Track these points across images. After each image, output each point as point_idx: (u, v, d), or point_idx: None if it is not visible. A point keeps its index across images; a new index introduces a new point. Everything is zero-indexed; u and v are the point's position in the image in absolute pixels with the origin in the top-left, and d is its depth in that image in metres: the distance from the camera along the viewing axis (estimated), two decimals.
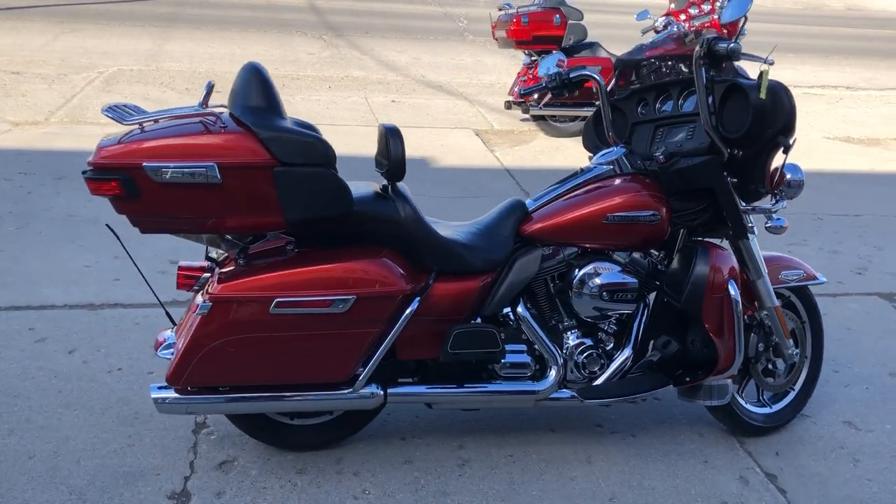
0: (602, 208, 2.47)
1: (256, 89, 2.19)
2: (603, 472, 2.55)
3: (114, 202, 2.12)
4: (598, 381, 2.53)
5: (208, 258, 2.44)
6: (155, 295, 2.55)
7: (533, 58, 6.81)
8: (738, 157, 2.45)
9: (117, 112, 2.20)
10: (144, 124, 2.14)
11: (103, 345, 3.12)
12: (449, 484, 2.45)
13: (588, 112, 6.90)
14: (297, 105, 7.26)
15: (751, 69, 2.47)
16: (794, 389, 2.87)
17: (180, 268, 2.39)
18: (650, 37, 7.39)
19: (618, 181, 2.54)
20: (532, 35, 6.47)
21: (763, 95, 2.28)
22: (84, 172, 2.11)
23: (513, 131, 7.14)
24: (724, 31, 7.27)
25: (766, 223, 2.60)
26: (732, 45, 2.27)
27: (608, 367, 2.55)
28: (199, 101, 2.23)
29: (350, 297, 2.22)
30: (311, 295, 2.21)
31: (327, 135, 2.24)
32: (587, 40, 6.74)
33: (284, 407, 2.40)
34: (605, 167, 2.59)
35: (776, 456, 2.71)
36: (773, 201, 2.58)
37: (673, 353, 2.51)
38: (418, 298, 2.33)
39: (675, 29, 7.95)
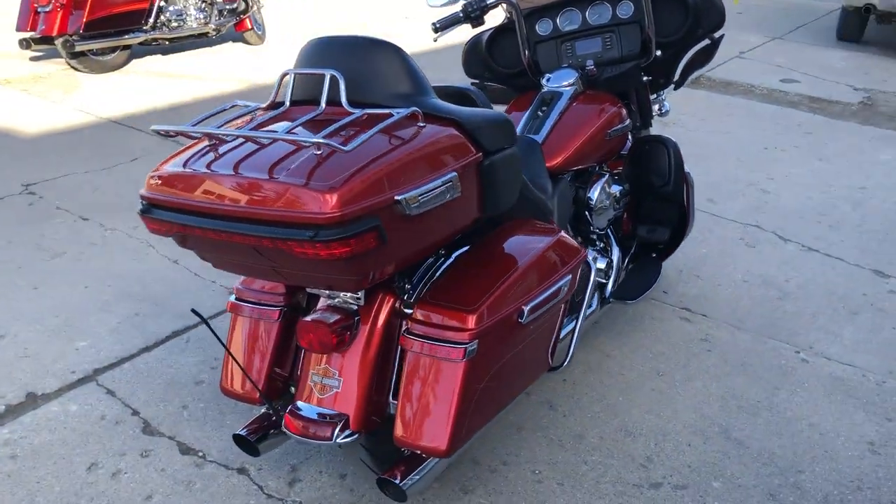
0: (602, 126, 2.63)
1: (399, 68, 1.80)
2: (627, 385, 2.91)
3: (349, 263, 1.57)
4: (609, 284, 2.81)
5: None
6: (262, 394, 1.94)
7: None
8: (658, 58, 2.86)
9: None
10: (327, 143, 1.58)
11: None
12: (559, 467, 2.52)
13: (132, 39, 6.14)
14: None
15: None
16: None
17: (330, 324, 1.83)
18: None
19: (591, 98, 2.72)
20: None
21: (736, 2, 2.71)
22: (314, 235, 1.50)
23: (43, 76, 5.92)
24: None
25: (661, 110, 3.10)
26: None
27: (612, 268, 2.84)
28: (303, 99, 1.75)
29: (567, 277, 2.06)
30: (544, 290, 1.98)
31: None
32: None
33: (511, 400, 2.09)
34: (569, 89, 2.73)
35: (666, 293, 3.40)
36: (661, 91, 3.08)
37: (663, 237, 2.90)
38: (590, 258, 2.26)
39: None
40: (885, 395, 2.76)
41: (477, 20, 2.73)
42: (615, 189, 2.74)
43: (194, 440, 2.36)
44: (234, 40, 7.40)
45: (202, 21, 6.60)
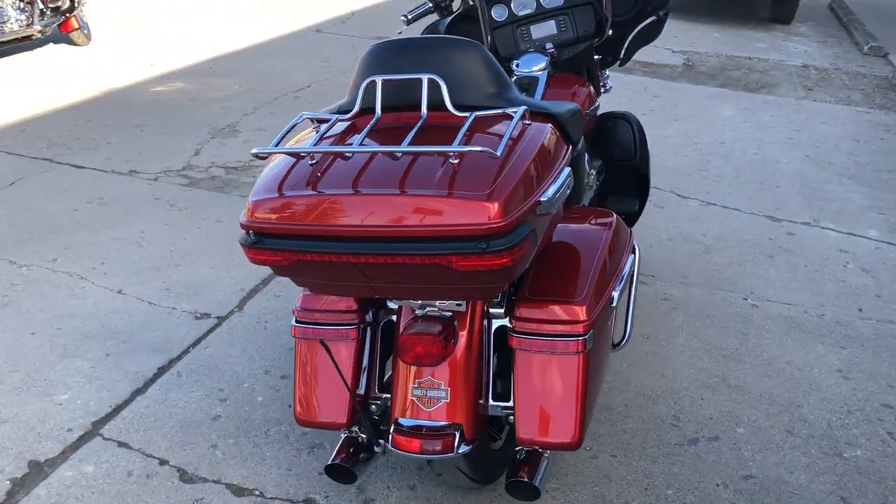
0: (582, 107, 2.70)
1: (486, 66, 1.79)
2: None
3: (505, 272, 1.54)
4: None
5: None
6: (365, 418, 1.84)
7: None
8: (609, 37, 2.96)
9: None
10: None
11: None
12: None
13: None
14: None
15: None
16: None
17: (436, 335, 1.77)
18: None
19: (563, 81, 2.77)
20: None
21: None
22: (486, 247, 1.46)
23: None
24: None
25: (605, 87, 3.21)
26: None
27: None
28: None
29: (632, 256, 2.10)
30: (622, 272, 2.01)
31: None
32: None
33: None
34: (543, 73, 2.77)
35: None
36: (606, 69, 3.20)
37: (633, 208, 3.03)
38: None
39: None
40: (829, 327, 3.09)
41: (446, 9, 2.71)
42: (597, 164, 2.84)
43: (243, 479, 2.20)
44: (57, 41, 6.69)
45: (24, 22, 5.90)
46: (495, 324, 1.92)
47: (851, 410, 2.62)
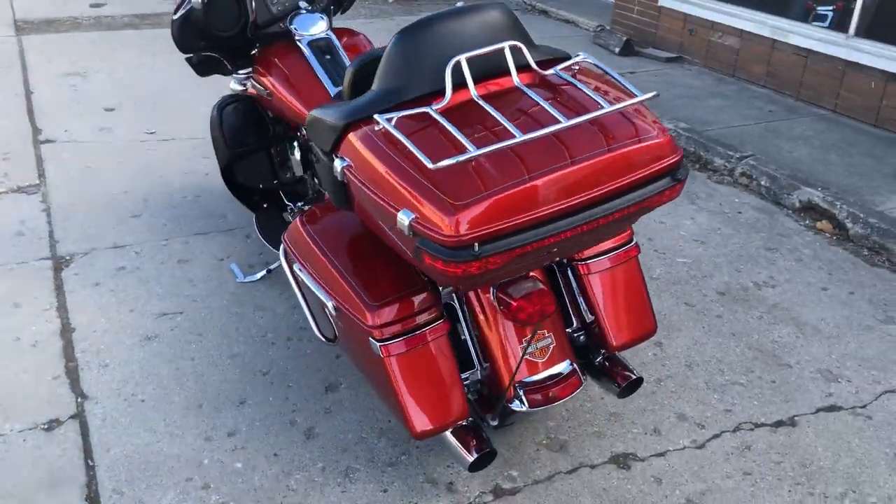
0: None
1: (519, 25, 1.91)
2: None
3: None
4: None
5: None
6: (503, 392, 1.84)
7: None
8: None
9: None
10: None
11: None
12: None
13: None
14: None
15: None
16: None
17: (547, 291, 1.80)
18: None
19: (348, 34, 2.77)
20: None
21: None
22: (680, 178, 1.71)
23: None
24: None
25: None
26: None
27: None
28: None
29: None
30: None
31: None
32: None
33: None
34: (331, 32, 2.68)
35: None
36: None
37: None
38: None
39: None
40: None
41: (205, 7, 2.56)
42: None
43: None
44: None
45: None
46: None
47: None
